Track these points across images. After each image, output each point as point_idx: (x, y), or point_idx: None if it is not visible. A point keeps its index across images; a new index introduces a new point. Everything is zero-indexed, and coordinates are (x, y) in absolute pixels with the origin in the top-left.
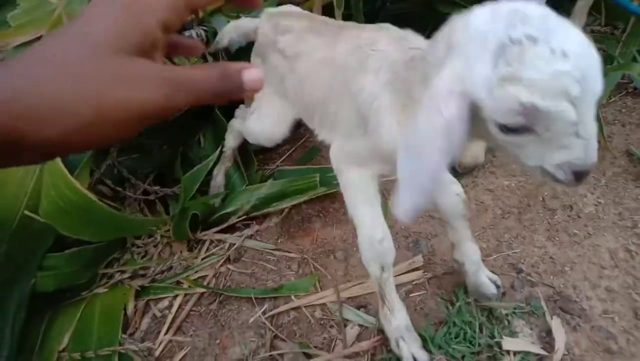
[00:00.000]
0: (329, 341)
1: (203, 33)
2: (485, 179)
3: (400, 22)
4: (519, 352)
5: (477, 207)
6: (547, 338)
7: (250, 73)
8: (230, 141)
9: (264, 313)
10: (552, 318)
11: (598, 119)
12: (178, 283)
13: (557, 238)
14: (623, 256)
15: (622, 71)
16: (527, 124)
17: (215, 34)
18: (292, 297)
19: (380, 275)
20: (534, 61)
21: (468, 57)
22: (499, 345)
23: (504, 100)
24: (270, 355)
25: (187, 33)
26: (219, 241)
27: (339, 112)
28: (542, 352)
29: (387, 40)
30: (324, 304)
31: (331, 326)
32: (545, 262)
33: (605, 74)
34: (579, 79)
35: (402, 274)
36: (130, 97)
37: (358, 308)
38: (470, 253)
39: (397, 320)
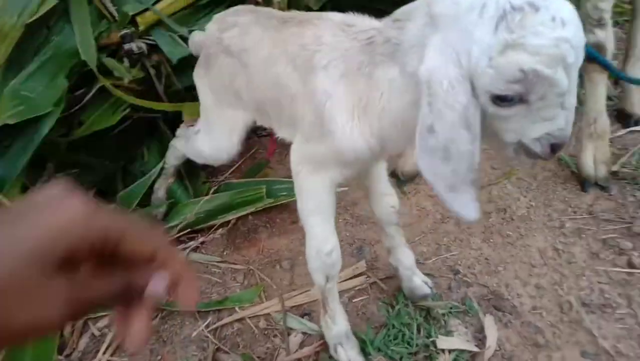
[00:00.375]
0: (272, 350)
1: (144, 46)
2: (426, 185)
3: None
4: (453, 350)
5: (419, 213)
6: (480, 336)
7: (155, 286)
8: (172, 160)
9: (207, 326)
10: (485, 316)
11: None
12: None
13: (491, 240)
14: (551, 255)
15: None
16: (522, 92)
17: (155, 47)
18: (237, 309)
19: (324, 285)
20: (537, 28)
21: (462, 27)
22: (435, 344)
23: (505, 67)
24: None
25: (126, 47)
26: None
27: (294, 112)
28: (475, 349)
29: (331, 32)
30: (268, 314)
31: (275, 336)
32: (481, 263)
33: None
34: (575, 47)
35: (346, 280)
36: (28, 317)
37: (302, 316)
38: (403, 258)
39: (338, 326)
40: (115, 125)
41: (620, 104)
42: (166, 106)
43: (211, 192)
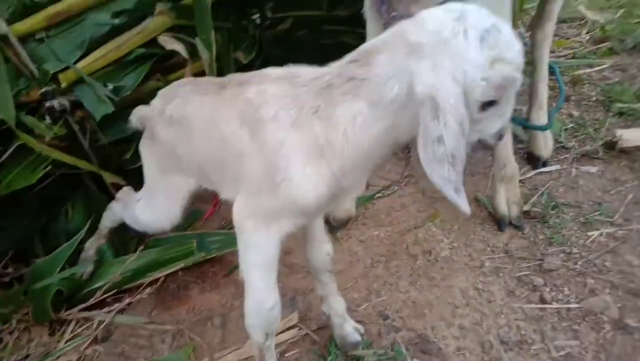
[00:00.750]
0: None
1: (66, 103)
2: (358, 230)
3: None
4: None
5: (350, 258)
6: None
7: None
8: (107, 222)
9: None
10: None
11: None
12: None
13: (418, 283)
14: (472, 294)
15: None
16: (497, 97)
17: (79, 103)
18: None
19: (263, 342)
20: (506, 43)
21: (452, 50)
22: None
23: (494, 78)
24: None
25: (47, 104)
26: (86, 319)
27: (239, 169)
28: None
29: (275, 85)
30: None
31: None
32: (408, 306)
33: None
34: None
35: (278, 334)
36: None
37: None
38: (335, 306)
39: None
40: (36, 183)
41: (529, 148)
42: (88, 166)
43: (140, 248)
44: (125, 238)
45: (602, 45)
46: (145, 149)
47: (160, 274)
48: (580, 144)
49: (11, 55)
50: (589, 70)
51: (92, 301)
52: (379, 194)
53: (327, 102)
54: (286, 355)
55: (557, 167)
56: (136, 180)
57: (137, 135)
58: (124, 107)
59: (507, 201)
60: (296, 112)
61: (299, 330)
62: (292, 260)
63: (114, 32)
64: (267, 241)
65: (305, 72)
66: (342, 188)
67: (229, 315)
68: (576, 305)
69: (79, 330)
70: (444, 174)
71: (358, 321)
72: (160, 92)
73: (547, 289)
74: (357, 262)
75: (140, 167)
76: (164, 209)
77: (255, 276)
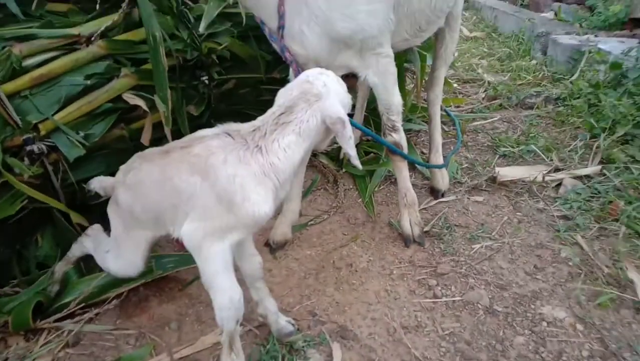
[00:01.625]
0: None
1: (44, 147)
2: (293, 251)
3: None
4: None
5: (287, 272)
6: (330, 359)
7: None
8: (77, 252)
9: None
10: (332, 343)
11: (371, 203)
12: None
13: (341, 288)
14: (383, 295)
15: (386, 167)
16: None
17: (54, 147)
18: None
19: (234, 328)
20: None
21: (335, 92)
22: None
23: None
24: None
25: (28, 148)
26: (57, 328)
27: (191, 207)
28: None
29: (214, 140)
30: None
31: None
32: (333, 306)
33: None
34: None
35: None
36: None
37: None
38: (269, 306)
39: (240, 358)
40: (13, 215)
41: (431, 183)
42: (58, 204)
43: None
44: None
45: (494, 101)
46: (111, 211)
47: (124, 289)
48: (472, 179)
49: (0, 109)
50: (483, 121)
51: (63, 313)
52: (312, 222)
53: (265, 141)
54: None
55: (453, 197)
56: (98, 215)
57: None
58: (93, 151)
59: (409, 222)
60: (241, 153)
61: (243, 327)
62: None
63: (86, 90)
64: (224, 250)
65: (243, 126)
66: (280, 198)
67: (184, 320)
68: (459, 298)
69: (51, 337)
70: (352, 149)
71: (293, 319)
72: (121, 168)
73: (439, 288)
74: (293, 275)
75: (102, 203)
76: (130, 259)
77: (221, 279)
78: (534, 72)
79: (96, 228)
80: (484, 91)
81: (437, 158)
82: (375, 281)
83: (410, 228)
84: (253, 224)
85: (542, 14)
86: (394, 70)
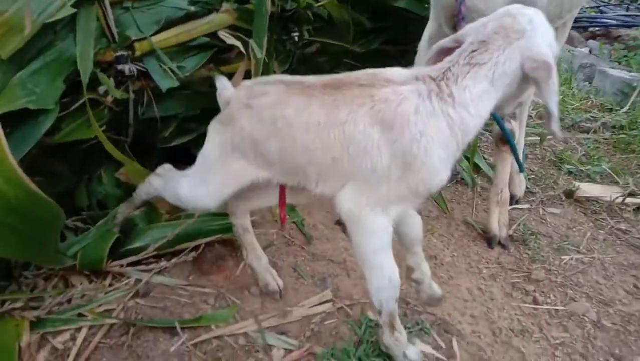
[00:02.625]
0: None
1: (135, 70)
2: None
3: None
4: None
5: None
6: (437, 353)
7: None
8: (142, 194)
9: (183, 343)
10: (437, 335)
11: (442, 198)
12: (79, 315)
13: None
14: (477, 293)
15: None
16: None
17: (144, 73)
18: (213, 327)
19: (393, 308)
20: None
21: (541, 32)
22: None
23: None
24: None
25: (119, 67)
26: (121, 275)
27: (356, 165)
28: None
29: (404, 83)
30: (246, 333)
31: (257, 352)
32: None
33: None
34: None
35: (315, 306)
36: None
37: (280, 335)
38: (426, 271)
39: (403, 336)
40: (84, 140)
41: None
42: (118, 156)
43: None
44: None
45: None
46: (214, 131)
47: (201, 241)
48: (544, 191)
49: (100, 16)
50: (537, 138)
51: (131, 259)
52: None
53: (457, 88)
54: (325, 323)
55: (527, 206)
56: (156, 164)
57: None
58: (175, 88)
59: (499, 222)
60: (434, 103)
61: (333, 304)
62: (312, 250)
63: (187, 17)
64: (387, 224)
65: (425, 70)
66: (454, 165)
67: (264, 287)
68: (562, 308)
69: (117, 284)
70: (556, 106)
71: None
72: (245, 84)
73: (538, 294)
74: None
75: (170, 150)
76: (214, 190)
77: (382, 258)
78: (580, 100)
79: (167, 168)
80: (534, 109)
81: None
82: (465, 277)
83: (499, 228)
84: (426, 194)
85: (577, 49)
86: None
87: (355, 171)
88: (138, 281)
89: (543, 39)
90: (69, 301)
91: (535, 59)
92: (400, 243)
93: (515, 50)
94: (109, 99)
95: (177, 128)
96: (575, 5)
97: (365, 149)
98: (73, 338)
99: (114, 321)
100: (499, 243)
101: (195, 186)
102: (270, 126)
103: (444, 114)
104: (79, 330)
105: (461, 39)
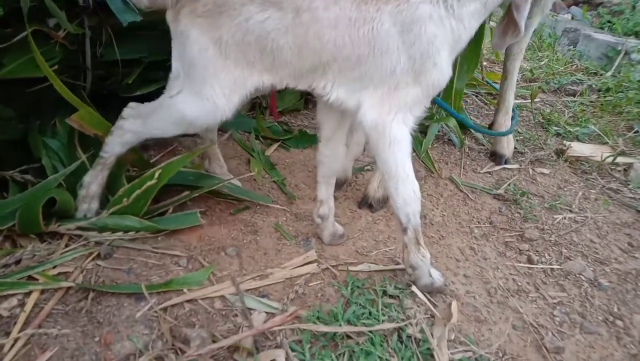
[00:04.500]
0: (235, 329)
1: (91, 1)
2: (353, 193)
3: None
4: (418, 323)
5: (352, 214)
6: (430, 314)
7: None
8: (116, 147)
9: (151, 307)
10: (433, 296)
11: (429, 158)
12: (30, 278)
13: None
14: (469, 253)
15: (441, 122)
16: None
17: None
18: (185, 290)
19: (419, 222)
20: None
21: None
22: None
23: None
24: (173, 346)
25: None
26: (79, 237)
27: (378, 66)
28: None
29: None
30: (222, 296)
31: (235, 316)
32: None
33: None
34: None
35: (299, 267)
36: None
37: (260, 297)
38: (332, 207)
39: (428, 254)
40: (33, 82)
41: (493, 148)
42: (75, 101)
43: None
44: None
45: (531, 84)
46: (195, 27)
47: (168, 201)
48: (532, 151)
49: None
50: (523, 100)
51: (82, 223)
52: (367, 167)
53: (459, 3)
54: (310, 285)
55: (517, 166)
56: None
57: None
58: (140, 28)
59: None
60: (441, 11)
61: (318, 265)
62: (295, 210)
63: None
64: (408, 132)
65: None
66: None
67: (243, 247)
68: (558, 267)
69: (74, 245)
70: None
71: (371, 263)
72: None
73: (532, 253)
74: (359, 218)
75: (133, 100)
76: (215, 102)
77: (407, 168)
78: (565, 64)
79: (135, 105)
80: (518, 73)
81: (506, 121)
82: (456, 237)
83: (376, 188)
84: (434, 93)
85: (559, 15)
86: None
87: (377, 72)
88: (99, 243)
89: None
90: (17, 262)
91: None
92: (318, 173)
93: None
94: (61, 33)
95: (142, 75)
96: None
97: (388, 48)
98: (22, 304)
99: (70, 284)
100: (369, 204)
101: (190, 102)
102: (291, 17)
103: (448, 21)
104: (28, 294)
105: None
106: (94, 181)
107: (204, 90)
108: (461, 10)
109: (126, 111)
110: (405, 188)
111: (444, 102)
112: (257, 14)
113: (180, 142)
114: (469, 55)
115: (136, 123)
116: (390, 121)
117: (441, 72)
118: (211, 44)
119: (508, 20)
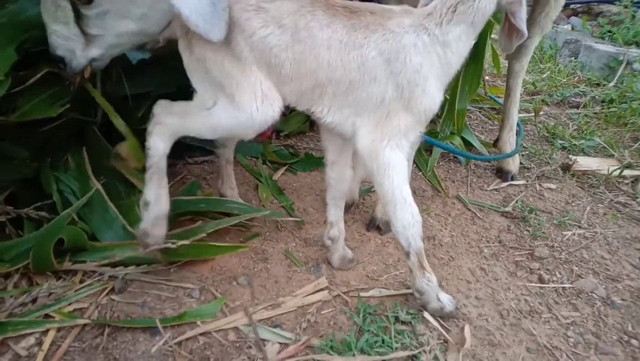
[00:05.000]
0: None
1: None
2: (361, 216)
3: None
4: (433, 350)
5: (361, 237)
6: (443, 339)
7: None
8: (160, 145)
9: (165, 342)
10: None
11: (435, 177)
12: (46, 317)
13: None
14: (480, 273)
15: (446, 141)
16: None
17: None
18: (199, 323)
19: (422, 246)
20: None
21: None
22: (418, 339)
23: None
24: None
25: None
26: (93, 272)
27: (367, 94)
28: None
29: (406, 17)
30: (236, 328)
31: (249, 347)
32: None
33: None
34: None
35: (311, 294)
36: None
37: (273, 328)
38: (342, 229)
39: (434, 278)
40: (45, 121)
41: (499, 164)
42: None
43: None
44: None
45: (535, 97)
46: (209, 52)
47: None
48: (538, 166)
49: None
50: (528, 115)
51: (105, 261)
52: (374, 189)
53: (442, 30)
54: (322, 312)
55: (523, 182)
56: None
57: (154, 95)
58: (147, 63)
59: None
60: (425, 40)
61: (330, 291)
62: (304, 235)
63: None
64: (404, 157)
65: (416, 10)
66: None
67: (254, 275)
68: (569, 285)
69: (89, 281)
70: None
71: (382, 288)
72: None
73: (542, 272)
74: (368, 241)
75: (143, 132)
76: (255, 109)
77: (405, 192)
78: (567, 75)
79: (165, 103)
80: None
81: (511, 137)
82: (466, 258)
83: (383, 211)
84: (427, 120)
85: (560, 26)
86: None
87: (369, 99)
88: (113, 278)
89: None
90: (33, 301)
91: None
92: (327, 195)
93: None
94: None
95: (150, 108)
96: None
97: (376, 77)
98: (39, 343)
99: (86, 321)
100: (377, 226)
101: (230, 110)
102: (290, 34)
103: (434, 48)
104: (45, 332)
105: None
106: (157, 195)
107: (235, 101)
108: (446, 37)
109: (158, 108)
110: (404, 212)
111: (435, 140)
112: (259, 29)
113: (190, 170)
114: (470, 76)
115: (173, 118)
116: (384, 147)
117: (431, 99)
118: (226, 60)
119: (509, 26)
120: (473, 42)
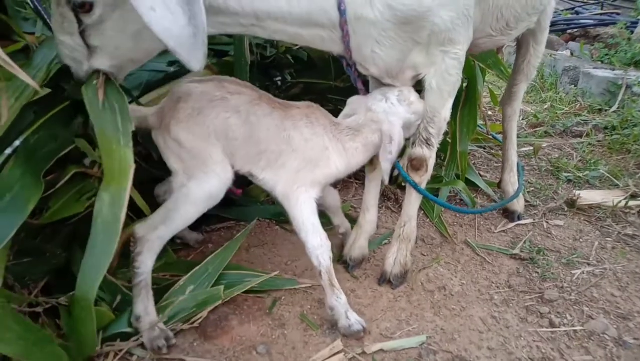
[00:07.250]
0: None
1: None
2: (373, 270)
3: None
4: None
5: (373, 293)
6: None
7: None
8: (149, 261)
9: None
10: None
11: (442, 223)
12: None
13: (441, 313)
14: (491, 322)
15: (450, 185)
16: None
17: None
18: None
19: (330, 263)
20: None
21: (393, 118)
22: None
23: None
24: None
25: None
26: (121, 351)
27: (288, 158)
28: None
29: (324, 118)
30: None
31: None
32: (438, 333)
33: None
34: None
35: (326, 359)
36: None
37: None
38: (347, 225)
39: (343, 296)
40: (72, 215)
41: (505, 205)
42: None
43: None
44: None
45: (537, 129)
46: (183, 130)
47: (205, 312)
48: (544, 203)
49: None
50: (531, 148)
51: (133, 337)
52: (386, 241)
53: (343, 140)
54: None
55: (530, 220)
56: None
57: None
58: None
59: (394, 259)
60: (332, 136)
61: (345, 354)
62: (317, 296)
63: (168, 78)
64: (313, 197)
65: (342, 121)
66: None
67: (272, 344)
68: (580, 328)
69: (117, 360)
70: (387, 163)
71: (396, 347)
72: (208, 80)
73: (553, 315)
74: (380, 297)
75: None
76: (218, 176)
77: (313, 221)
78: (568, 104)
79: (142, 224)
80: (523, 119)
81: (512, 178)
82: (476, 306)
83: (392, 264)
84: (331, 177)
85: (558, 52)
86: (456, 79)
87: (290, 162)
88: (142, 358)
89: (395, 117)
90: None
91: (385, 133)
92: (328, 211)
93: (376, 131)
94: (96, 169)
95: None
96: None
97: (296, 149)
98: None
99: None
100: (388, 280)
101: (200, 184)
102: (244, 117)
103: (337, 145)
104: None
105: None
106: (146, 309)
107: (206, 169)
108: (347, 145)
109: (140, 231)
110: (314, 236)
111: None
112: (222, 113)
113: (210, 237)
114: (466, 119)
115: (159, 229)
116: (295, 189)
117: (331, 169)
118: (197, 137)
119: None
120: (367, 157)
